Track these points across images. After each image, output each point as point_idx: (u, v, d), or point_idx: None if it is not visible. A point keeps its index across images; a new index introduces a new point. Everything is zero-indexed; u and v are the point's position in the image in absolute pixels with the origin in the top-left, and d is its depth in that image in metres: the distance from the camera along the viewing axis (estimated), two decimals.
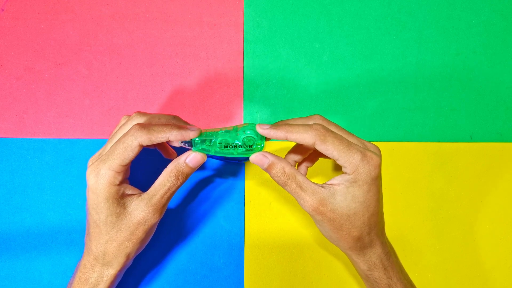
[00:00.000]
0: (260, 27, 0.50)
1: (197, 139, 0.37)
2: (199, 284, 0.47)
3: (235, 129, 0.37)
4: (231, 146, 0.37)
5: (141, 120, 0.38)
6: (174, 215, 0.47)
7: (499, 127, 0.51)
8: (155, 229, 0.40)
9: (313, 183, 0.36)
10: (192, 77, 0.49)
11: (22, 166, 0.47)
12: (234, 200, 0.48)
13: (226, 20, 0.50)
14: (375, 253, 0.38)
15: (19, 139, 0.47)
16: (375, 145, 0.38)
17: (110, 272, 0.38)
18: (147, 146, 0.41)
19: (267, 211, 0.48)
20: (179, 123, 0.40)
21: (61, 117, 0.48)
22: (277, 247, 0.48)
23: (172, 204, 0.47)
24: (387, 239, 0.41)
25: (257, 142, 0.37)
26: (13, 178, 0.47)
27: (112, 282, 0.38)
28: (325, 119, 0.38)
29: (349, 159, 0.35)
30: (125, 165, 0.36)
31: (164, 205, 0.38)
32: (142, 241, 0.38)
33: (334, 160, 0.36)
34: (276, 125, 0.36)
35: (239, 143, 0.37)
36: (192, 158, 0.37)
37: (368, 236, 0.37)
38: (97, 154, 0.38)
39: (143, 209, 0.37)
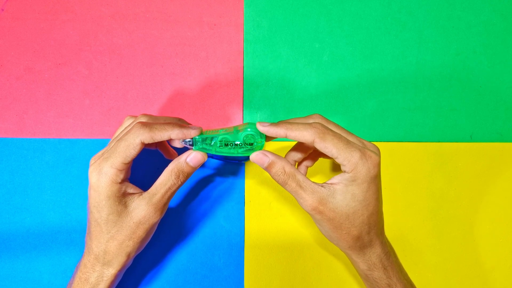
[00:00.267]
0: (260, 27, 0.50)
1: (198, 138, 0.37)
2: (199, 284, 0.47)
3: (236, 128, 0.38)
4: (231, 145, 0.37)
5: (144, 120, 0.39)
6: (174, 215, 0.47)
7: (499, 127, 0.51)
8: (155, 229, 0.40)
9: (313, 182, 0.36)
10: (192, 77, 0.49)
11: (22, 166, 0.47)
12: (234, 200, 0.48)
13: (226, 20, 0.50)
14: (375, 253, 0.38)
15: (19, 139, 0.47)
16: (374, 144, 0.38)
17: (110, 271, 0.38)
18: (148, 145, 0.41)
19: (267, 211, 0.48)
20: (181, 123, 0.40)
21: (61, 117, 0.48)
22: (277, 247, 0.48)
23: (172, 203, 0.47)
24: (386, 239, 0.41)
25: (258, 140, 0.37)
26: (13, 178, 0.47)
27: (112, 282, 0.38)
28: (325, 118, 0.38)
29: (348, 157, 0.35)
30: (127, 163, 0.36)
31: (165, 204, 0.38)
32: (143, 240, 0.38)
33: (333, 158, 0.36)
34: (276, 123, 0.37)
35: (240, 142, 0.37)
36: (193, 157, 0.37)
37: (367, 235, 0.37)
38: (99, 153, 0.38)
39: (144, 208, 0.37)
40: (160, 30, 0.49)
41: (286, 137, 0.36)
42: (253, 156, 0.37)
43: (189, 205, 0.48)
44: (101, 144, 0.47)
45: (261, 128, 0.36)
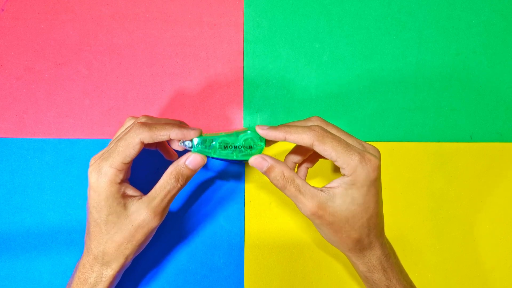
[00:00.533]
0: (260, 27, 0.50)
1: (197, 139, 0.37)
2: (199, 284, 0.47)
3: (236, 132, 0.38)
4: (230, 147, 0.37)
5: (145, 120, 0.39)
6: (174, 215, 0.47)
7: (499, 127, 0.51)
8: (154, 232, 0.39)
9: (312, 186, 0.36)
10: (192, 77, 0.49)
11: (22, 166, 0.47)
12: (234, 200, 0.48)
13: (226, 20, 0.50)
14: (375, 255, 0.38)
15: (19, 139, 0.47)
16: (374, 147, 0.38)
17: (109, 272, 0.38)
18: (148, 145, 0.41)
19: (267, 211, 0.48)
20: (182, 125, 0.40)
21: (61, 117, 0.48)
22: (277, 247, 0.48)
23: (173, 204, 0.47)
24: (387, 240, 0.41)
25: (257, 143, 0.37)
26: (13, 178, 0.47)
27: (111, 283, 0.38)
28: (324, 120, 0.38)
29: (347, 161, 0.35)
30: (127, 163, 0.36)
31: (164, 209, 0.38)
32: (142, 243, 0.38)
33: (332, 161, 0.36)
34: (275, 126, 0.37)
35: (239, 144, 0.37)
36: (192, 159, 0.37)
37: (367, 238, 0.37)
38: (99, 153, 0.38)
39: (143, 212, 0.36)
40: (160, 30, 0.49)
41: (285, 140, 0.36)
42: (252, 160, 0.37)
43: (189, 205, 0.48)
44: (101, 144, 0.47)
45: (260, 131, 0.36)
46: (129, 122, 0.40)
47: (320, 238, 0.48)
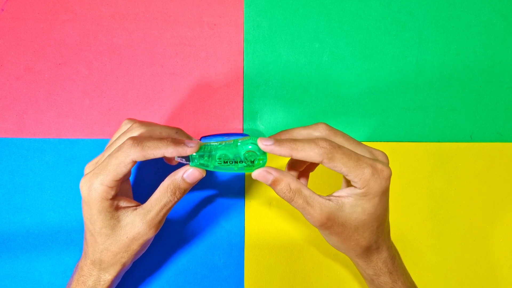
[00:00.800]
0: (260, 27, 0.50)
1: (194, 154, 0.35)
2: (199, 284, 0.47)
3: (235, 143, 0.35)
4: (231, 162, 0.35)
5: (139, 131, 0.37)
6: (175, 215, 0.47)
7: (499, 127, 0.51)
8: (152, 241, 0.39)
9: (320, 196, 0.35)
10: (192, 77, 0.49)
11: (22, 166, 0.47)
12: (234, 200, 0.48)
13: (226, 20, 0.50)
14: (381, 258, 0.38)
15: (19, 139, 0.47)
16: (383, 152, 0.37)
17: (107, 277, 0.38)
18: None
19: (267, 211, 0.48)
20: (178, 137, 0.38)
21: (61, 117, 0.48)
22: (277, 247, 0.48)
23: None
24: (391, 242, 0.41)
25: (259, 157, 0.35)
26: (13, 178, 0.46)
27: (109, 286, 0.38)
28: (331, 129, 0.36)
29: (359, 175, 0.33)
30: (118, 180, 0.34)
31: (160, 221, 0.36)
32: (138, 252, 0.38)
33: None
34: (279, 141, 0.34)
35: (240, 159, 0.35)
36: (190, 174, 0.35)
37: (375, 243, 0.37)
38: (94, 161, 0.37)
39: (137, 225, 0.36)
40: (160, 30, 0.49)
41: (291, 157, 0.34)
42: (256, 174, 0.35)
43: (189, 205, 0.48)
44: (101, 144, 0.47)
45: (264, 147, 0.34)
46: (125, 126, 0.38)
47: (320, 238, 0.48)
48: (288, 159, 0.43)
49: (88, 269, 0.38)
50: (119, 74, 0.48)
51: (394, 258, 0.39)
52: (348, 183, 0.37)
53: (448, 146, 0.51)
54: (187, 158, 0.35)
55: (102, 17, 0.49)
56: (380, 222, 0.36)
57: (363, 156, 0.34)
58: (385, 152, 0.37)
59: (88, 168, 0.37)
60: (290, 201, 0.35)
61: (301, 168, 0.41)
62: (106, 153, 0.37)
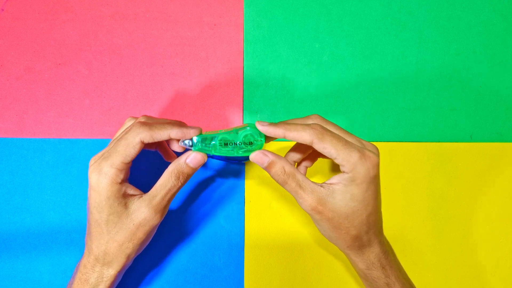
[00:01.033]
0: (260, 27, 0.50)
1: (197, 138, 0.37)
2: (199, 284, 0.47)
3: (235, 129, 0.38)
4: (231, 144, 0.37)
5: (144, 120, 0.39)
6: (175, 215, 0.47)
7: (499, 127, 0.51)
8: (155, 231, 0.40)
9: (312, 182, 0.36)
10: (192, 77, 0.49)
11: (22, 166, 0.47)
12: (234, 200, 0.48)
13: (226, 20, 0.50)
14: (373, 252, 0.38)
15: (19, 139, 0.47)
16: (373, 144, 0.38)
17: (110, 272, 0.38)
18: (148, 145, 0.41)
19: (267, 211, 0.48)
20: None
21: (61, 117, 0.48)
22: (277, 247, 0.48)
23: (173, 204, 0.47)
24: (385, 238, 0.41)
25: (257, 139, 0.37)
26: (13, 178, 0.47)
27: (112, 283, 0.38)
28: (324, 119, 0.38)
29: (346, 158, 0.35)
30: (127, 163, 0.36)
31: (165, 207, 0.38)
32: (143, 242, 0.38)
33: (332, 159, 0.36)
34: (275, 123, 0.37)
35: (239, 141, 0.37)
36: (193, 158, 0.37)
37: (366, 235, 0.37)
38: (99, 153, 0.38)
39: (144, 210, 0.37)
40: (160, 30, 0.49)
41: (284, 137, 0.36)
42: (253, 155, 0.37)
43: (189, 205, 0.48)
44: (101, 144, 0.47)
45: (260, 127, 0.37)
46: (129, 123, 0.40)
47: (320, 237, 0.48)
48: (292, 143, 0.44)
49: (91, 266, 0.38)
50: (119, 74, 0.48)
51: (388, 253, 0.39)
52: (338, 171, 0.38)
53: (448, 146, 0.51)
54: (190, 144, 0.37)
55: (102, 17, 0.49)
56: (370, 212, 0.37)
57: (352, 142, 0.36)
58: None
59: (93, 159, 0.37)
60: (283, 184, 0.37)
61: (306, 153, 0.42)
62: (111, 144, 0.38)
